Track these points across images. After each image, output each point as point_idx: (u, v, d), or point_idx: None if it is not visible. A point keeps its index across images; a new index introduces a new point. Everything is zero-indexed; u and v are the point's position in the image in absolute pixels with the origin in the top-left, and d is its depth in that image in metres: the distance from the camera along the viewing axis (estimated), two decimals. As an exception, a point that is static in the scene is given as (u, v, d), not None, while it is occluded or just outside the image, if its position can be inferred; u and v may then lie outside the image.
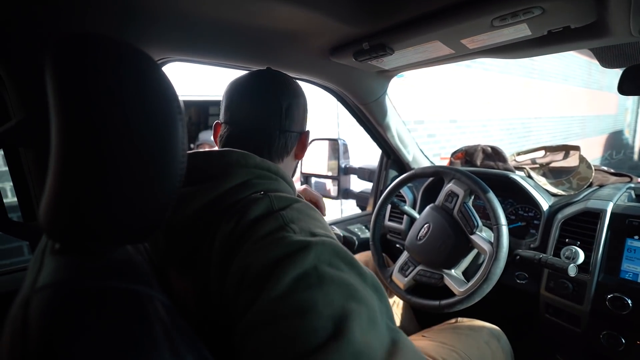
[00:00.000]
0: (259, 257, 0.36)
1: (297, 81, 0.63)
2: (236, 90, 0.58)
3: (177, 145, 0.31)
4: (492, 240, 0.84)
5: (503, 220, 0.83)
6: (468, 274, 0.92)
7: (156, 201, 0.31)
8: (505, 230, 0.82)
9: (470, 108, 4.78)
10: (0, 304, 0.62)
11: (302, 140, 0.62)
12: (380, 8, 0.69)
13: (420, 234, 0.97)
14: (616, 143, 10.12)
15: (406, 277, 0.97)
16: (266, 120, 0.56)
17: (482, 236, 0.87)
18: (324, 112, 3.00)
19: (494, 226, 0.84)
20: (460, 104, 4.59)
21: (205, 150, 0.50)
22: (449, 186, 0.96)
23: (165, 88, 0.31)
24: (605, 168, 1.14)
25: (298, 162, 0.65)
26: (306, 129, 0.63)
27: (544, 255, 0.85)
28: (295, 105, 0.58)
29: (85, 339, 0.23)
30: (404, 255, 1.02)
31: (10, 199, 1.56)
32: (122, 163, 0.29)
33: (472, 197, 0.93)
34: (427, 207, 1.01)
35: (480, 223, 0.89)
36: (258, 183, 0.47)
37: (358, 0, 0.68)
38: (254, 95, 0.57)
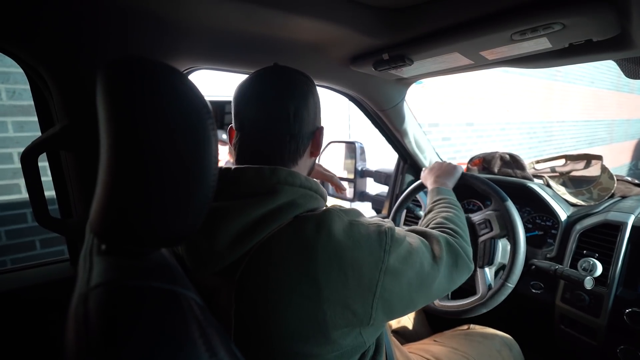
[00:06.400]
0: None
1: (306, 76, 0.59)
2: (242, 95, 0.56)
3: (211, 159, 0.35)
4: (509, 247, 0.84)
5: (521, 228, 0.84)
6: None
7: (191, 208, 0.35)
8: (522, 239, 0.83)
9: (488, 111, 4.67)
10: (3, 301, 0.68)
11: (315, 139, 0.59)
12: (400, 20, 0.71)
13: None
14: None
15: None
16: (274, 126, 0.54)
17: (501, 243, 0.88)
18: (335, 113, 3.01)
19: (510, 233, 0.84)
20: (477, 106, 4.50)
21: (257, 166, 0.51)
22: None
23: (198, 102, 0.34)
24: (629, 179, 1.12)
25: (314, 160, 0.63)
26: (319, 126, 0.60)
27: (560, 266, 0.84)
28: (304, 106, 0.55)
29: (137, 331, 0.27)
30: None
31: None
32: (162, 174, 0.32)
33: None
34: None
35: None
36: (303, 203, 0.50)
37: (379, 13, 0.70)
38: (259, 101, 0.55)
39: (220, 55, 0.78)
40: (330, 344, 0.46)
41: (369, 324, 0.49)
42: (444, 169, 0.93)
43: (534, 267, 0.91)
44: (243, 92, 0.56)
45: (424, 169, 0.95)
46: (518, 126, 5.31)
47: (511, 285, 0.81)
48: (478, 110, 4.54)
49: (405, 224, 1.32)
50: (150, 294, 0.31)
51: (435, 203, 0.79)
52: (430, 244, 0.59)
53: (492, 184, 0.91)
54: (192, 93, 0.34)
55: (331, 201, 1.11)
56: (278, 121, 0.54)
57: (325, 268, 0.45)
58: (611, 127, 8.24)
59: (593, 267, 0.82)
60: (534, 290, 0.98)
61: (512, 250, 0.83)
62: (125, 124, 0.31)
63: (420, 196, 1.29)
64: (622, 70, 0.79)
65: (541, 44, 0.66)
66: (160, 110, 0.32)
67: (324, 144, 1.54)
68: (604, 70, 7.30)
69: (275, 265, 0.45)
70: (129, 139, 0.31)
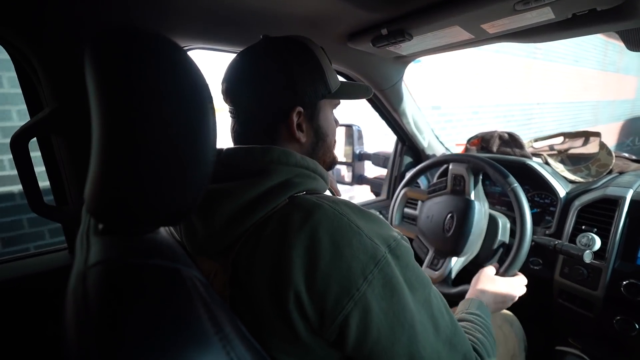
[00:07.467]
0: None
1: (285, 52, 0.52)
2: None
3: (209, 134, 0.33)
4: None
5: (514, 181, 0.86)
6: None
7: (190, 186, 0.33)
8: (519, 190, 0.85)
9: (458, 93, 4.21)
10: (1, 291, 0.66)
11: (288, 121, 0.51)
12: None
13: (446, 226, 0.95)
14: (633, 130, 9.40)
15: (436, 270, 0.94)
16: (236, 106, 0.53)
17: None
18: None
19: (507, 189, 0.86)
20: (445, 88, 4.03)
21: (248, 146, 0.49)
22: (451, 168, 0.98)
23: (196, 78, 0.32)
24: (627, 155, 1.13)
25: (309, 144, 0.55)
26: (290, 105, 0.51)
27: (560, 241, 0.85)
28: (265, 81, 0.50)
29: (138, 308, 0.25)
30: (430, 253, 0.99)
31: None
32: (159, 151, 0.30)
33: (481, 177, 0.95)
34: (441, 197, 1.01)
35: None
36: (299, 182, 0.47)
37: None
38: (232, 82, 0.53)
39: (215, 34, 0.75)
40: (303, 348, 0.42)
41: (327, 345, 0.43)
42: (505, 296, 0.79)
43: (533, 243, 0.92)
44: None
45: (485, 269, 0.84)
46: (493, 109, 4.81)
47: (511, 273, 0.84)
48: (446, 92, 4.04)
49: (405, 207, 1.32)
50: (153, 271, 0.29)
51: (475, 316, 0.65)
52: (451, 333, 0.48)
53: (480, 156, 0.92)
54: (187, 64, 0.31)
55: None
56: (236, 97, 0.52)
57: (296, 265, 0.40)
58: (596, 109, 7.98)
59: (592, 242, 0.82)
60: (532, 267, 0.99)
61: (515, 201, 0.84)
62: (117, 99, 0.29)
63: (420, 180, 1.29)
64: (624, 42, 0.79)
65: (544, 14, 0.65)
66: (153, 81, 0.30)
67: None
68: (589, 48, 6.86)
69: (262, 250, 0.42)
70: (120, 113, 0.29)
